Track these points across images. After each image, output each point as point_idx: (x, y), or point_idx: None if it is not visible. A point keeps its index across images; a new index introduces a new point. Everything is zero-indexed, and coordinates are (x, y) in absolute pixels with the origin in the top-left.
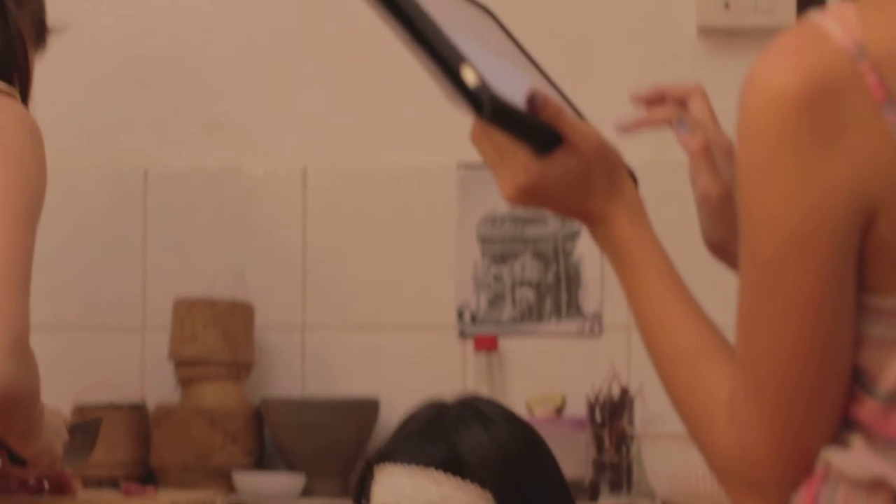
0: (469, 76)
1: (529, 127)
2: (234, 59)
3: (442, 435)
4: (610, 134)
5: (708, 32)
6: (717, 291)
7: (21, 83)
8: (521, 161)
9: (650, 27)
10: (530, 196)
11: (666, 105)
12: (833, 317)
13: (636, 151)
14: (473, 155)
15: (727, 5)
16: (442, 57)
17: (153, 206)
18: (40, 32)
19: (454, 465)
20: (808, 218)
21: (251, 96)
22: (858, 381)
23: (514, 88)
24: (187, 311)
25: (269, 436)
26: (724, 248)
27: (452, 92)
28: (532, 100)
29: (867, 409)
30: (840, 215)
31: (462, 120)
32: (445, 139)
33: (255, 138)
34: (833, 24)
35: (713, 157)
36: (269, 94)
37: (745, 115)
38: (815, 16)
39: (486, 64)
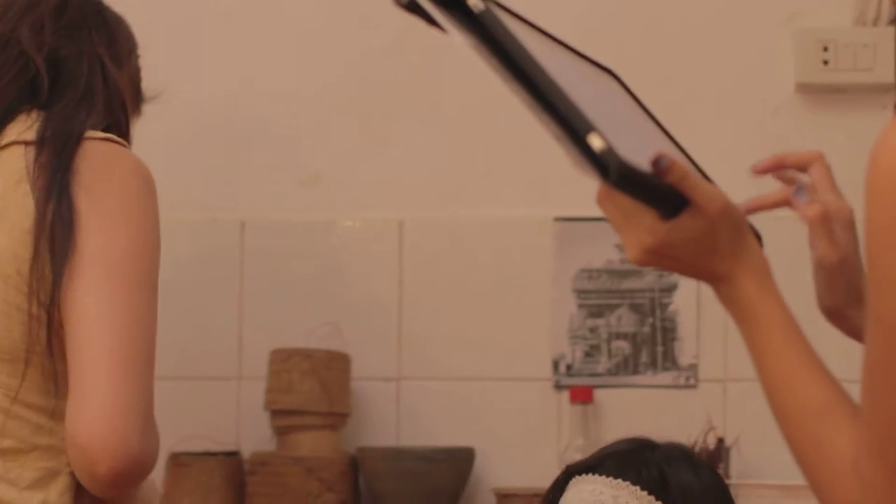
0: (596, 142)
1: (655, 190)
2: (330, 114)
3: (654, 462)
4: None
5: (807, 89)
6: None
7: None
8: (647, 224)
9: (749, 84)
10: (657, 258)
11: (785, 173)
12: None
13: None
14: (569, 208)
15: (826, 62)
16: (567, 122)
17: (250, 258)
18: (137, 98)
19: (660, 491)
20: None
21: (348, 150)
22: None
23: (639, 151)
24: (284, 362)
25: (364, 485)
26: (838, 313)
27: (577, 156)
28: (657, 163)
29: None
30: None
31: (558, 174)
32: (542, 193)
33: (351, 192)
34: None
35: (831, 224)
36: (365, 148)
37: (875, 175)
38: None
39: (611, 126)
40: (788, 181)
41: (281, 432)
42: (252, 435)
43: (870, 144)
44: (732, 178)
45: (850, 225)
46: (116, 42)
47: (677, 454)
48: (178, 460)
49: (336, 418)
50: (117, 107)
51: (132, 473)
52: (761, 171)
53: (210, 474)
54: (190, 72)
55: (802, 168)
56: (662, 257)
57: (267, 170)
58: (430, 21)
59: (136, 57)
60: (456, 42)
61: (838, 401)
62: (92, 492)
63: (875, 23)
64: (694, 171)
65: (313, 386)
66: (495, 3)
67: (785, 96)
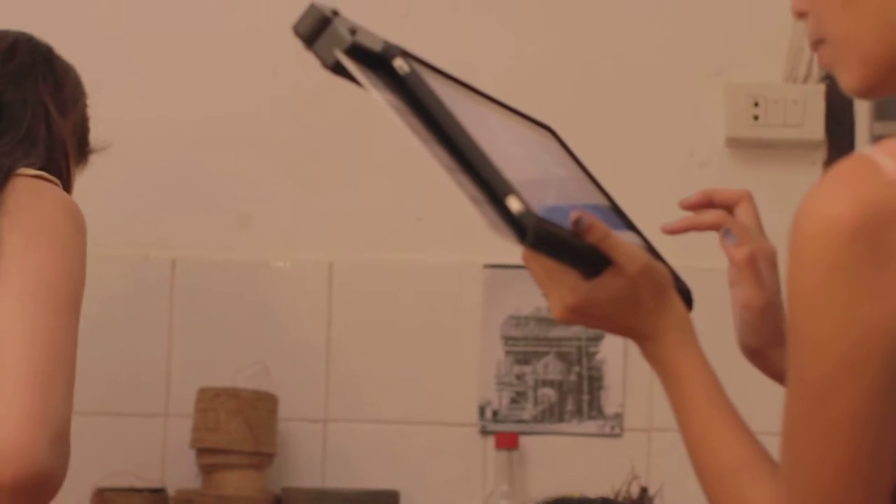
0: (514, 204)
1: (576, 250)
2: (262, 154)
3: None
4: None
5: (736, 143)
6: (747, 394)
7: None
8: (569, 283)
9: (679, 136)
10: (579, 316)
11: (714, 210)
12: (878, 437)
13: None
14: (499, 256)
15: (756, 118)
16: (487, 183)
17: (180, 296)
18: (83, 147)
19: None
20: (859, 344)
21: (279, 191)
22: None
23: (566, 210)
24: (211, 400)
25: None
26: (761, 354)
27: (495, 218)
28: (578, 223)
29: None
30: (889, 342)
31: None
32: (472, 239)
33: (282, 233)
34: (885, 158)
35: (757, 267)
36: (297, 190)
37: (798, 242)
38: (867, 149)
39: (536, 186)
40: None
41: (206, 471)
42: (177, 472)
43: (797, 201)
44: (659, 230)
45: (774, 265)
46: (63, 90)
47: None
48: (103, 496)
49: (262, 458)
50: (59, 154)
51: (36, 485)
52: (689, 206)
53: None
54: (123, 110)
55: (730, 207)
56: (585, 315)
57: (199, 208)
58: (356, 82)
59: (84, 106)
60: (378, 103)
61: (758, 458)
62: None
63: (805, 80)
64: (626, 227)
65: (240, 425)
66: (421, 62)
67: (714, 150)
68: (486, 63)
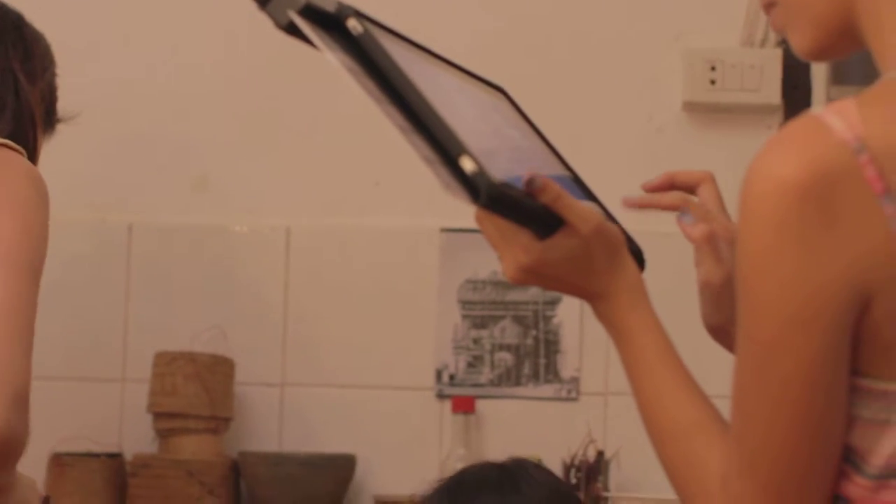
0: (467, 164)
1: (529, 211)
2: (220, 118)
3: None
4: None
5: (693, 108)
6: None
7: (28, 157)
8: (522, 243)
9: (636, 101)
10: (532, 276)
11: (673, 193)
12: (827, 397)
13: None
14: (456, 220)
15: (713, 82)
16: (440, 144)
17: (137, 261)
18: (50, 116)
19: None
20: (807, 303)
21: (237, 155)
22: (849, 459)
23: (518, 170)
24: (168, 365)
25: (245, 489)
26: (722, 330)
27: (448, 178)
28: (531, 183)
29: (857, 487)
30: (838, 301)
31: None
32: (428, 203)
33: (239, 197)
34: (835, 118)
35: (716, 245)
36: (254, 153)
37: (748, 202)
38: (817, 110)
39: (489, 147)
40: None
41: (163, 435)
42: (134, 437)
43: None
44: (617, 194)
45: (735, 245)
46: (32, 58)
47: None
48: (60, 460)
49: (219, 422)
50: (26, 123)
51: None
52: (651, 189)
53: (91, 475)
54: (81, 73)
55: (691, 188)
56: (538, 276)
57: (156, 172)
58: (310, 43)
59: (52, 75)
60: (332, 64)
61: (709, 419)
62: None
63: (762, 44)
64: (579, 189)
65: (197, 389)
66: (375, 24)
67: (671, 114)
68: (444, 27)
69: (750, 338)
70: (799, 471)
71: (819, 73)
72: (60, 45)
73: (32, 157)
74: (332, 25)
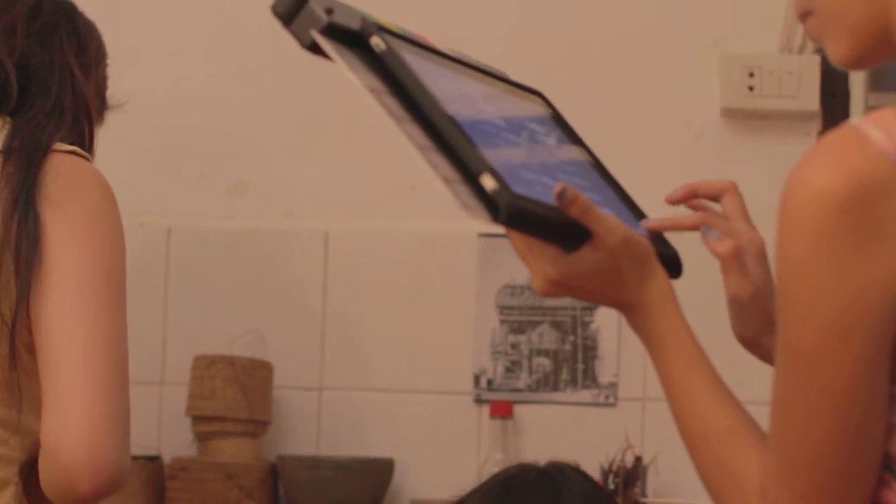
0: (488, 182)
1: (554, 225)
2: (259, 123)
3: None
4: None
5: (732, 114)
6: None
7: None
8: (549, 256)
9: (674, 107)
10: (560, 288)
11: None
12: (865, 406)
13: None
14: (493, 225)
15: (751, 88)
16: (462, 162)
17: (175, 264)
18: (102, 107)
19: None
20: (845, 312)
21: (275, 160)
22: (889, 467)
23: (547, 180)
24: (207, 368)
25: (283, 493)
26: (754, 343)
27: (467, 197)
28: (562, 195)
29: None
30: (877, 310)
31: None
32: None
33: (278, 201)
34: (874, 129)
35: (742, 259)
36: (292, 157)
37: (787, 212)
38: (856, 120)
39: (514, 157)
40: (702, 210)
41: (202, 438)
42: (173, 440)
43: None
44: (655, 199)
45: (762, 256)
46: (86, 50)
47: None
48: None
49: (257, 426)
50: (83, 117)
51: (110, 490)
52: (675, 201)
53: (130, 478)
54: (121, 79)
55: (715, 198)
56: (567, 288)
57: (194, 176)
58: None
59: (105, 66)
60: (353, 84)
61: (744, 426)
62: None
63: (801, 50)
64: (616, 196)
65: (235, 393)
66: (402, 38)
67: (710, 120)
68: (481, 33)
69: (788, 345)
70: (837, 479)
71: (857, 79)
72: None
73: (89, 152)
74: (358, 42)
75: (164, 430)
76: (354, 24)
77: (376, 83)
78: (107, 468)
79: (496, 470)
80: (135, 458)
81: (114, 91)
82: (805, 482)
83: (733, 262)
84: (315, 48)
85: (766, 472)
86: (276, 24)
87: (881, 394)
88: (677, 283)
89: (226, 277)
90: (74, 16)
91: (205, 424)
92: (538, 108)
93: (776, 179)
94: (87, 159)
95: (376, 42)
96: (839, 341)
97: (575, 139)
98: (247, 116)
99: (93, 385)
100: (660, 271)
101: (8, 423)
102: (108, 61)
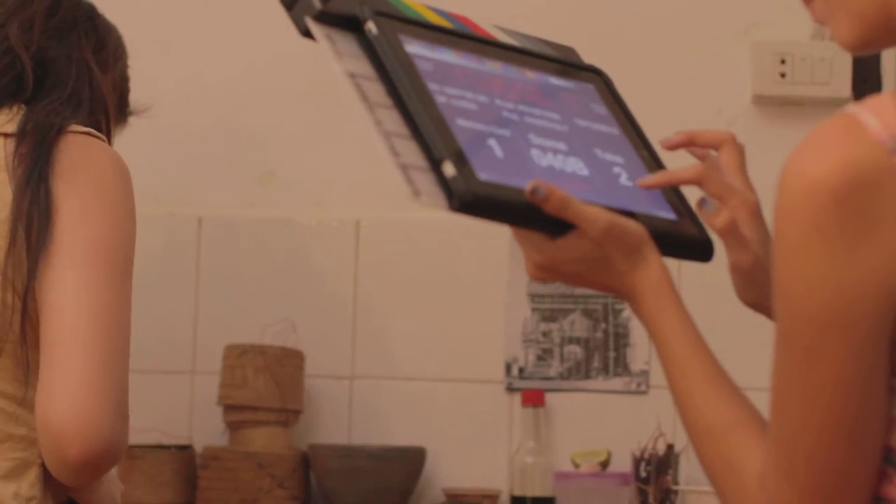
0: (448, 169)
1: (534, 213)
2: (288, 111)
3: None
4: None
5: (763, 101)
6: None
7: None
8: (535, 242)
9: (705, 94)
10: (550, 273)
11: (692, 166)
12: (864, 400)
13: None
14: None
15: (783, 75)
16: (427, 148)
17: (206, 253)
18: (122, 108)
19: None
20: (842, 305)
21: (305, 148)
22: (889, 460)
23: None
24: (238, 357)
25: (315, 482)
26: (758, 306)
27: (426, 184)
28: (534, 193)
29: None
30: (874, 302)
31: None
32: None
33: (308, 190)
34: (870, 116)
35: (738, 231)
36: (322, 146)
37: (782, 202)
38: (852, 108)
39: (514, 148)
40: (700, 157)
41: (233, 427)
42: (204, 429)
43: None
44: (687, 189)
45: (757, 216)
46: (104, 48)
47: None
48: (131, 453)
49: (288, 415)
50: (99, 110)
51: (102, 458)
52: (671, 146)
53: (162, 467)
54: (150, 69)
55: (714, 147)
56: (557, 273)
57: (224, 166)
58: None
59: (125, 66)
60: (336, 71)
61: (745, 417)
62: (60, 478)
63: (832, 37)
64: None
65: (267, 382)
66: (413, 22)
67: (741, 107)
68: (512, 18)
69: (785, 338)
70: (836, 473)
71: (889, 65)
72: (129, 42)
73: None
74: (355, 27)
75: (195, 419)
76: (353, 10)
77: (368, 68)
78: (97, 434)
79: (529, 458)
80: (166, 447)
81: (143, 81)
82: (803, 475)
83: (730, 236)
84: (311, 35)
85: (765, 463)
86: None
87: (879, 386)
88: (671, 262)
89: (257, 266)
90: (93, 15)
91: (236, 413)
92: (581, 88)
93: None
94: (102, 139)
95: (369, 27)
96: (834, 334)
97: (626, 120)
98: (276, 106)
99: (87, 353)
100: (652, 258)
101: (23, 400)
102: (137, 55)
